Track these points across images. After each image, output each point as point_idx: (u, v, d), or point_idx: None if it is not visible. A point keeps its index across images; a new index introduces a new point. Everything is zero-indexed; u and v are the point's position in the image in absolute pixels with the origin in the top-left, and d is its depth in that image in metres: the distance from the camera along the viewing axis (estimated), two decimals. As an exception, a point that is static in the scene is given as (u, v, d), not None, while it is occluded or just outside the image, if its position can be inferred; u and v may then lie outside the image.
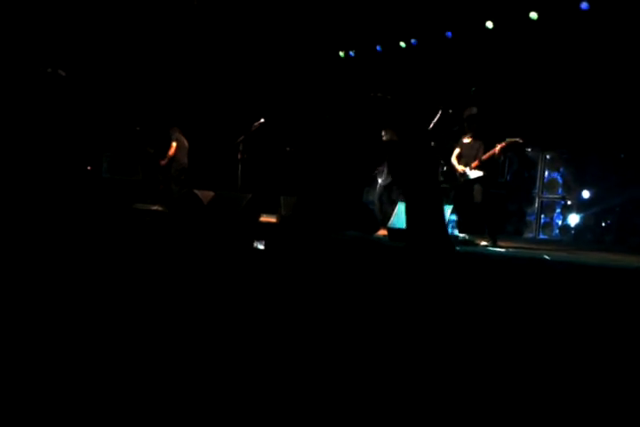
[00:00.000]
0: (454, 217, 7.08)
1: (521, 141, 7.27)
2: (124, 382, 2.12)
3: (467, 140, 7.55)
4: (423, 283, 4.48)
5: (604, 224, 8.72)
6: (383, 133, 8.97)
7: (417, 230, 5.49)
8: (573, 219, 9.09)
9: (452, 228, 7.23)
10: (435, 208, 5.60)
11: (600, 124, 8.81)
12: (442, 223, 5.69)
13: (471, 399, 2.19)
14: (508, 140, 7.15)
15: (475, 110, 7.45)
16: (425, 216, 5.49)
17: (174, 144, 10.61)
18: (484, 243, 7.03)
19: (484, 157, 7.15)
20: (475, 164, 7.20)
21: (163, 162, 10.58)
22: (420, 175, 5.71)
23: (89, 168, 11.05)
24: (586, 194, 9.10)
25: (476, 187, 7.18)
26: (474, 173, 7.22)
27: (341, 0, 11.03)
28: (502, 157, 8.51)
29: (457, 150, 7.63)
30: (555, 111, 9.37)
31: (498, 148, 7.10)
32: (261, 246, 5.55)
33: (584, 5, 9.45)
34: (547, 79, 9.53)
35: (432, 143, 7.41)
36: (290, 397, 2.09)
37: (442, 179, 9.44)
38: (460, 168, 7.40)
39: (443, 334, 3.11)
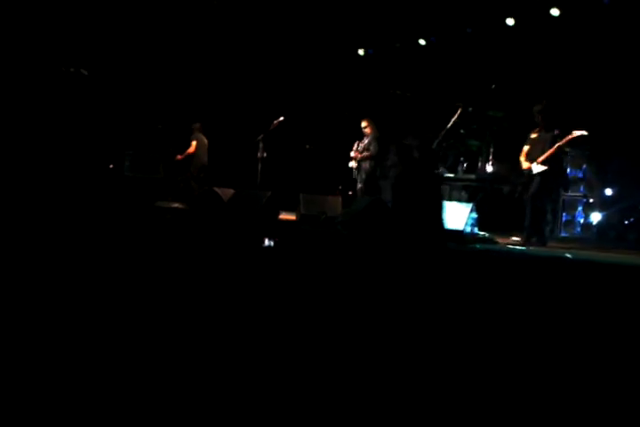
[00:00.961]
0: (475, 215, 7.05)
1: (586, 134, 7.03)
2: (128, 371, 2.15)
3: (534, 135, 7.25)
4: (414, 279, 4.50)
5: (626, 222, 8.62)
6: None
7: (409, 227, 5.54)
8: (595, 217, 8.99)
9: (473, 225, 7.20)
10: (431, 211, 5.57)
11: (623, 120, 8.70)
12: (439, 222, 5.63)
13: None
14: (574, 133, 6.86)
15: (545, 104, 7.25)
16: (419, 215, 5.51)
17: (194, 143, 10.82)
18: (515, 238, 7.01)
19: (550, 151, 6.86)
20: (541, 158, 6.92)
21: (180, 156, 10.82)
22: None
23: (111, 166, 11.19)
24: (608, 191, 9.00)
25: (536, 180, 6.94)
26: (538, 168, 6.94)
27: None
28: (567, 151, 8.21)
29: (525, 148, 7.30)
30: (577, 108, 9.27)
31: (564, 140, 6.83)
32: (272, 244, 5.59)
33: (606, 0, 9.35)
34: (568, 76, 9.43)
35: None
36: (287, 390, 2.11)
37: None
38: (525, 165, 7.12)
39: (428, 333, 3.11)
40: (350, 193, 11.61)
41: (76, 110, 10.59)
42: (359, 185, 9.47)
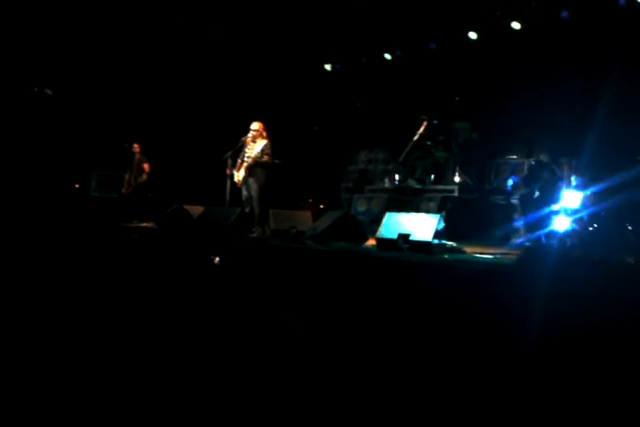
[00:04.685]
0: (442, 225, 7.09)
1: None
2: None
3: None
4: None
5: (590, 229, 8.73)
6: None
7: None
8: (562, 224, 9.08)
9: (441, 236, 7.25)
10: None
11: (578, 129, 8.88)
12: None
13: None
14: None
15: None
16: None
17: (148, 165, 10.98)
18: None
19: None
20: None
21: (146, 177, 10.91)
22: None
23: (76, 186, 11.09)
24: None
25: None
26: None
27: (327, 14, 11.17)
28: None
29: None
30: (537, 117, 9.47)
31: None
32: (220, 262, 5.56)
33: (564, 14, 9.59)
34: (530, 88, 9.63)
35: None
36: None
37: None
38: None
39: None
40: (322, 206, 11.62)
41: (41, 130, 10.49)
42: (247, 194, 8.68)
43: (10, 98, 10.46)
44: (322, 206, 11.16)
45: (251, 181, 8.72)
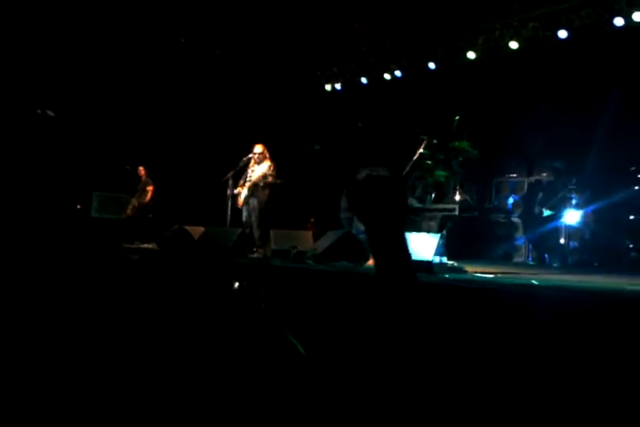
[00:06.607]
0: (442, 244, 7.09)
1: None
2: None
3: None
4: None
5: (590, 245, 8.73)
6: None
7: (382, 264, 5.47)
8: (564, 241, 9.09)
9: (442, 255, 7.24)
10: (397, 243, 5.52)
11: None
12: (405, 257, 5.55)
13: None
14: None
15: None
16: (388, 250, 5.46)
17: (152, 188, 11.06)
18: None
19: None
20: None
21: (148, 200, 11.02)
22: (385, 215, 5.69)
23: (78, 207, 11.13)
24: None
25: None
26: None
27: (327, 34, 11.29)
28: None
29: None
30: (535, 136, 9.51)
31: None
32: (240, 287, 5.54)
33: (563, 33, 9.67)
34: (529, 107, 9.68)
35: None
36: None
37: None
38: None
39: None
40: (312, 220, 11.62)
41: (43, 151, 10.55)
42: (248, 214, 8.79)
43: (12, 119, 10.54)
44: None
45: (252, 201, 8.80)
